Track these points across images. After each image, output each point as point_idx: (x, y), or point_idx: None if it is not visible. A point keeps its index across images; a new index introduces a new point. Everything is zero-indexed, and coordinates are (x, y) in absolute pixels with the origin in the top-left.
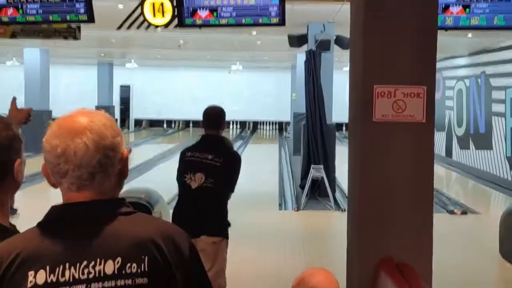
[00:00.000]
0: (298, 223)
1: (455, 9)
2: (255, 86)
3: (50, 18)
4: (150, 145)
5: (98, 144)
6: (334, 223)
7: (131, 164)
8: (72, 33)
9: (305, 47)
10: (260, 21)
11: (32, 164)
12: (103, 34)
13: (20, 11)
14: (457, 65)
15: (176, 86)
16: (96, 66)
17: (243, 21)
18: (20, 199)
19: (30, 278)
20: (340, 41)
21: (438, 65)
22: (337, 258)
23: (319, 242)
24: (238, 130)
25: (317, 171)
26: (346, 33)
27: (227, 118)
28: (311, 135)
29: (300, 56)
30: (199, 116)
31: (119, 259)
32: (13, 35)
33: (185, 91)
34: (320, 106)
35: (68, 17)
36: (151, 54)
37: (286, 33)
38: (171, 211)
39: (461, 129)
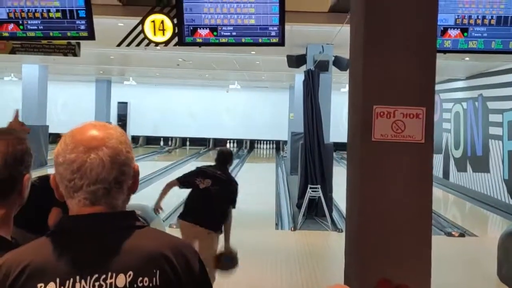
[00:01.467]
0: (294, 243)
1: (454, 33)
2: (252, 106)
3: (51, 34)
4: (146, 162)
5: (114, 160)
6: (331, 243)
7: None
8: (71, 50)
9: (303, 68)
10: (260, 40)
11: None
12: (102, 51)
13: (21, 27)
14: (454, 88)
15: (173, 104)
16: (94, 83)
17: (243, 40)
18: None
19: None
20: (338, 62)
21: (436, 87)
22: (334, 278)
23: (315, 262)
24: (235, 149)
25: (314, 191)
26: (344, 54)
27: (225, 136)
28: (309, 155)
29: (299, 76)
30: (196, 134)
31: (130, 272)
32: (13, 51)
33: (182, 109)
34: (318, 126)
35: (68, 34)
36: (149, 72)
37: (285, 53)
38: (167, 228)
39: (458, 152)
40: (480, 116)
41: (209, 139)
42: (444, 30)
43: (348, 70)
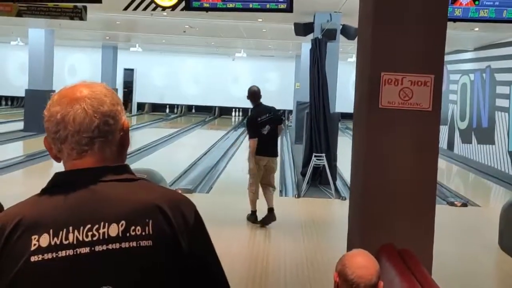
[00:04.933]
0: (298, 210)
1: (465, 1)
2: (258, 74)
3: None
4: (152, 129)
5: (97, 110)
6: (335, 211)
7: (133, 148)
8: (78, 14)
9: (310, 36)
10: (268, 6)
11: (35, 143)
12: (109, 16)
13: None
14: (462, 59)
15: (179, 71)
16: (100, 49)
17: (251, 6)
18: (22, 177)
19: (34, 242)
20: (346, 31)
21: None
22: (337, 244)
23: (319, 229)
24: (241, 117)
25: (318, 159)
26: (352, 23)
27: (230, 104)
28: (314, 124)
29: (305, 46)
30: (201, 102)
31: (123, 222)
32: (19, 14)
33: (188, 77)
34: (324, 95)
35: None
36: (156, 38)
37: (292, 21)
38: None
39: (463, 123)
40: (488, 87)
41: (214, 107)
42: None
43: (356, 39)
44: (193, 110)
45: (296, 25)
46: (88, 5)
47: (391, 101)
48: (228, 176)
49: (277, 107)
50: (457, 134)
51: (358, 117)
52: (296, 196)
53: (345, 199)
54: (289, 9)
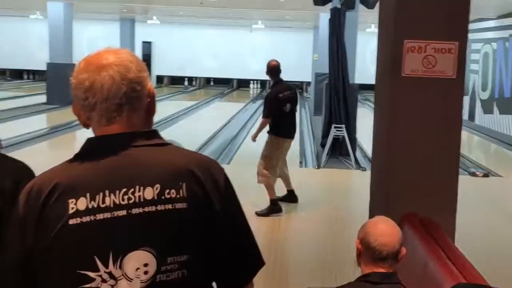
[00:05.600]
0: (318, 180)
1: None
2: (276, 46)
3: None
4: (171, 102)
5: (124, 76)
6: (355, 181)
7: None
8: None
9: (329, 6)
10: None
11: (58, 116)
12: None
13: None
14: (484, 27)
15: (197, 44)
16: (118, 22)
17: None
18: (46, 149)
19: (72, 205)
20: (365, 0)
21: None
22: (358, 213)
23: (339, 199)
24: (259, 90)
25: (338, 130)
26: None
27: (248, 76)
28: (333, 94)
29: (323, 16)
30: (220, 74)
31: (158, 185)
32: None
33: (206, 49)
34: (343, 66)
35: None
36: (173, 10)
37: None
38: None
39: (485, 93)
40: (510, 57)
41: (233, 79)
42: None
43: (375, 8)
44: (212, 83)
45: None
46: None
47: (414, 69)
48: (247, 148)
49: (295, 79)
50: (478, 104)
51: (380, 86)
52: (316, 167)
53: (365, 169)
54: None
